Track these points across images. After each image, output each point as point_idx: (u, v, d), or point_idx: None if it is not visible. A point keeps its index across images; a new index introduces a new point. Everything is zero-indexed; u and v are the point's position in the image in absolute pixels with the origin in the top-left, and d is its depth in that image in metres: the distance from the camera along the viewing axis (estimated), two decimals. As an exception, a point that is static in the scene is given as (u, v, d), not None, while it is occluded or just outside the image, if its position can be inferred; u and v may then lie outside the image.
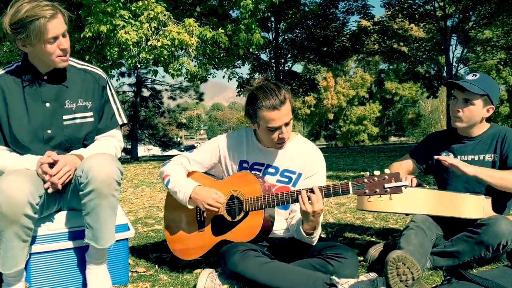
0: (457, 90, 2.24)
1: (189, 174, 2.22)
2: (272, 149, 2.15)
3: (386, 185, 1.77)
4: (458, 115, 2.23)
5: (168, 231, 2.27)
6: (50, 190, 1.76)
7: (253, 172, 2.14)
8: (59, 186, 1.78)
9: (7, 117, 1.86)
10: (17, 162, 1.84)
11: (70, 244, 1.96)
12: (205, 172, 2.26)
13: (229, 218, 2.06)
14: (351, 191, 1.84)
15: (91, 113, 1.97)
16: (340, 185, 1.86)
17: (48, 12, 1.73)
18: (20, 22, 1.72)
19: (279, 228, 2.16)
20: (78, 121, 1.94)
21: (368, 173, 1.82)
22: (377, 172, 1.80)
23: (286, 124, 2.00)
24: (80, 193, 1.78)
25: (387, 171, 1.80)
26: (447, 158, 2.14)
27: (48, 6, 1.75)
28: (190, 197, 2.08)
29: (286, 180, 2.15)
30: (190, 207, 2.11)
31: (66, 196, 1.97)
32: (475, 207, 2.08)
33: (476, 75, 2.24)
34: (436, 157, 2.19)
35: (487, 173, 2.11)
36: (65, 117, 1.92)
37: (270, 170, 2.15)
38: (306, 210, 1.86)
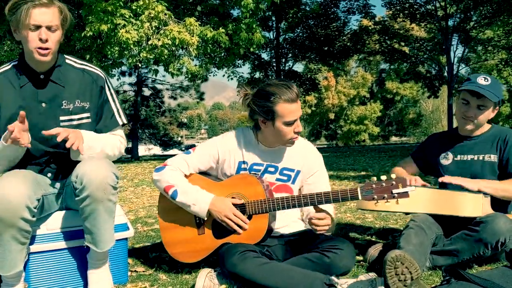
0: (470, 95, 2.21)
1: (187, 177, 2.18)
2: (271, 148, 2.15)
3: (394, 191, 1.84)
4: (471, 120, 2.23)
5: (165, 234, 2.19)
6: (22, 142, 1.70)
7: (252, 172, 2.14)
8: (27, 144, 1.73)
9: (2, 117, 1.84)
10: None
11: (69, 243, 1.96)
12: (202, 173, 2.22)
13: None
14: (360, 197, 1.87)
15: (88, 114, 1.95)
16: (349, 191, 1.89)
17: (40, 0, 1.73)
18: (14, 4, 1.75)
19: (278, 226, 2.16)
20: (75, 122, 1.92)
21: (375, 178, 1.87)
22: (384, 177, 1.85)
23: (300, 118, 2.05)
24: (76, 198, 1.77)
25: (393, 176, 1.86)
26: (450, 180, 2.16)
27: None
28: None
29: (285, 178, 2.16)
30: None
31: (64, 197, 1.97)
32: (474, 205, 2.08)
33: (487, 79, 2.21)
34: (440, 179, 2.21)
35: (491, 186, 2.13)
36: (62, 117, 1.90)
37: (270, 169, 2.16)
38: (315, 229, 1.96)
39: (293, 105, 1.98)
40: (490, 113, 2.24)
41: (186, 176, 2.17)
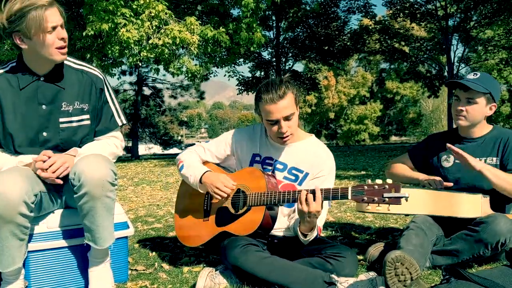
0: (459, 90, 2.23)
1: (204, 164, 2.28)
2: (282, 145, 2.17)
3: (385, 195, 1.75)
4: (461, 115, 2.23)
5: (176, 217, 2.32)
6: (46, 177, 1.77)
7: (264, 166, 2.18)
8: (58, 181, 1.79)
9: (1, 119, 1.83)
10: (10, 160, 1.83)
11: (69, 242, 1.96)
12: (218, 165, 2.32)
13: (232, 211, 2.09)
14: (349, 197, 1.83)
15: (87, 116, 1.94)
16: (340, 190, 1.86)
17: (45, 1, 1.74)
18: (18, 12, 1.71)
19: (280, 227, 2.18)
20: (74, 124, 1.91)
21: (369, 181, 1.82)
22: (379, 181, 1.79)
23: (286, 119, 2.03)
24: (74, 196, 1.77)
25: (389, 181, 1.78)
26: (458, 150, 2.10)
27: None
28: (200, 181, 2.14)
29: (293, 178, 2.17)
30: (201, 190, 2.17)
31: (63, 196, 1.97)
32: (473, 206, 2.08)
33: (477, 74, 2.24)
34: (448, 145, 2.13)
35: (493, 172, 2.09)
36: (61, 119, 1.89)
37: (279, 166, 2.18)
38: (302, 210, 1.88)
39: (272, 106, 2.00)
40: (483, 109, 2.21)
41: (203, 162, 2.30)
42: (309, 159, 2.17)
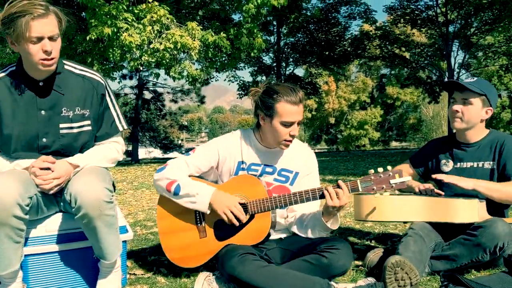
0: (456, 92, 2.26)
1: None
2: (269, 149, 2.17)
3: (392, 181, 1.92)
4: (457, 116, 2.25)
5: (165, 240, 2.16)
6: (38, 184, 1.78)
7: (249, 172, 2.16)
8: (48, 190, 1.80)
9: (1, 125, 1.81)
10: (8, 165, 1.83)
11: (68, 246, 1.95)
12: (199, 177, 2.20)
13: None
14: (360, 189, 1.93)
15: (88, 122, 1.91)
16: (350, 184, 1.94)
17: (37, 11, 1.66)
18: (10, 16, 1.67)
19: (278, 229, 2.18)
20: (75, 130, 1.89)
21: (372, 171, 1.95)
22: (380, 169, 1.94)
23: (298, 123, 2.08)
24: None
25: (389, 167, 1.94)
26: (444, 177, 2.17)
27: (42, 6, 1.68)
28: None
29: (283, 179, 2.18)
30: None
31: (62, 201, 1.97)
32: (470, 211, 2.08)
33: (473, 78, 2.28)
34: (433, 176, 2.23)
35: (485, 186, 2.12)
36: (61, 125, 1.86)
37: (268, 169, 2.18)
38: (334, 205, 1.95)
39: (293, 107, 2.02)
40: (479, 111, 2.23)
41: None
42: (297, 158, 2.20)
